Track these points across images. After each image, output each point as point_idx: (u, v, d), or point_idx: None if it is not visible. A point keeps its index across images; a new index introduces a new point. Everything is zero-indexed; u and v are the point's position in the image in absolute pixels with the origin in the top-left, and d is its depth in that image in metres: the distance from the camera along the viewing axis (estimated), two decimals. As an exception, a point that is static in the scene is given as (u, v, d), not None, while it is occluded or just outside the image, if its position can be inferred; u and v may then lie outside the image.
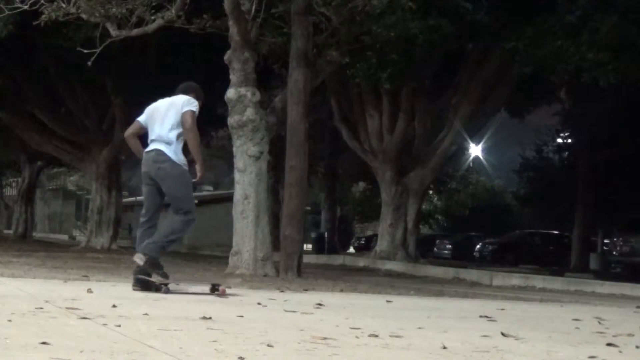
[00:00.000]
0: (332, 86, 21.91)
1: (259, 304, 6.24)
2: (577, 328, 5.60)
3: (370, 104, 22.74)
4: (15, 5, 12.95)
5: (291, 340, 3.96)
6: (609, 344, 4.50)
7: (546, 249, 34.45)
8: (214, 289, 7.13)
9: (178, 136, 7.38)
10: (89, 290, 6.58)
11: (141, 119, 7.77)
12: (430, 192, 42.76)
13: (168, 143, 7.32)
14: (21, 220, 34.12)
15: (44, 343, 3.36)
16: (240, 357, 3.27)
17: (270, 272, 11.98)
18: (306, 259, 15.75)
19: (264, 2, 12.36)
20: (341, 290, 9.24)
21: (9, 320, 4.17)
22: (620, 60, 16.40)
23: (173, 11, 12.19)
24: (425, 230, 46.21)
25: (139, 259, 7.05)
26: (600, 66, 16.36)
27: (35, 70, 21.47)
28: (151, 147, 7.42)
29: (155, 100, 8.16)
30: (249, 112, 12.32)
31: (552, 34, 16.96)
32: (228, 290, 7.28)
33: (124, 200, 36.27)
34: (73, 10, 12.20)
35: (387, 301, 7.58)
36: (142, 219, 7.47)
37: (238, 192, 12.39)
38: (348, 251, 41.07)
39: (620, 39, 16.13)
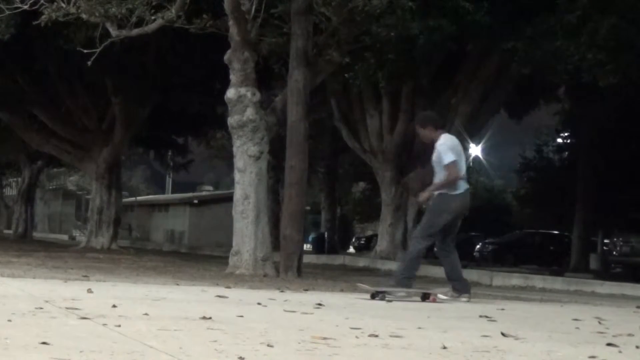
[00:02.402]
0: (332, 86, 21.90)
1: (259, 304, 6.24)
2: (577, 328, 5.60)
3: (370, 104, 22.74)
4: (16, 6, 12.94)
5: (291, 340, 3.96)
6: (609, 344, 4.50)
7: (546, 249, 34.44)
8: (426, 297, 7.81)
9: None
10: (89, 290, 6.58)
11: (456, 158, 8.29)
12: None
13: None
14: (21, 220, 34.15)
15: (44, 343, 3.36)
16: (240, 357, 3.27)
17: (270, 272, 11.98)
18: (306, 259, 15.75)
19: (264, 2, 12.36)
20: (341, 290, 9.24)
21: (9, 320, 4.17)
22: (619, 60, 16.40)
23: (173, 11, 12.19)
24: (425, 230, 46.08)
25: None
26: (600, 66, 16.36)
27: (35, 70, 21.48)
28: (467, 186, 8.45)
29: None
30: (249, 112, 12.32)
31: (552, 34, 16.95)
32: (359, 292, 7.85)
33: (124, 200, 36.31)
34: (73, 10, 12.20)
35: (388, 301, 7.58)
36: (440, 246, 8.43)
37: (238, 192, 12.39)
38: (348, 251, 41.07)
39: (619, 39, 16.12)
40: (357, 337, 4.25)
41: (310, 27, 12.22)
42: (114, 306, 5.20)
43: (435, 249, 8.57)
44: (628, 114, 27.44)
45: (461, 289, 8.29)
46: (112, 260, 15.19)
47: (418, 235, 8.36)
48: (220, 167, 46.71)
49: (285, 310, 5.72)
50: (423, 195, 8.31)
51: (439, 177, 8.27)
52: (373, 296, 7.71)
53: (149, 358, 3.19)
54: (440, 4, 16.51)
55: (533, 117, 28.14)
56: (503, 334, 4.70)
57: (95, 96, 22.62)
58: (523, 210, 42.90)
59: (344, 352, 3.65)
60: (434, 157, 8.30)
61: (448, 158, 8.22)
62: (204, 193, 55.84)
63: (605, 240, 31.35)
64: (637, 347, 4.50)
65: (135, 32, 12.71)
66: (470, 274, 17.00)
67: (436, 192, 8.26)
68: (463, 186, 8.32)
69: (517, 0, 17.95)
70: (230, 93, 12.44)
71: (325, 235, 34.90)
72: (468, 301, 8.12)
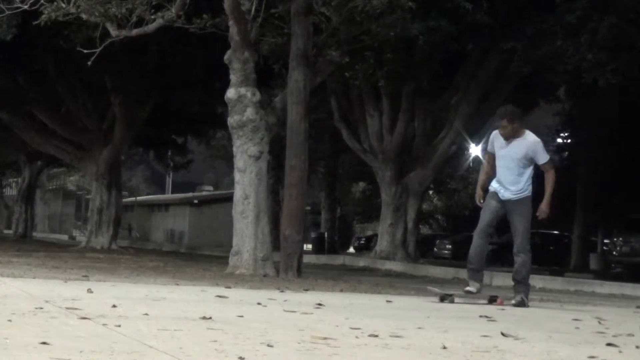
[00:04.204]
0: (332, 86, 21.91)
1: (259, 304, 6.24)
2: (577, 328, 5.60)
3: (370, 104, 22.74)
4: (16, 5, 12.95)
5: (291, 340, 3.96)
6: (609, 344, 4.50)
7: (546, 249, 34.42)
8: (492, 300, 7.89)
9: None
10: (89, 290, 6.58)
11: None
12: (430, 192, 42.74)
13: None
14: (21, 220, 34.11)
15: (44, 343, 3.36)
16: (240, 357, 3.27)
17: (270, 272, 11.98)
18: (306, 259, 15.76)
19: (264, 2, 12.37)
20: (341, 290, 9.24)
21: (9, 320, 4.17)
22: (619, 60, 16.39)
23: (173, 11, 12.19)
24: (425, 230, 46.20)
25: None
26: (600, 66, 16.36)
27: (35, 70, 21.48)
28: None
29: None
30: (249, 112, 12.32)
31: (552, 34, 16.95)
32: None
33: (124, 200, 36.31)
34: (73, 10, 12.20)
35: (387, 301, 7.58)
36: (488, 233, 8.24)
37: (238, 192, 12.40)
38: (348, 251, 41.09)
39: (619, 39, 16.12)
40: (357, 337, 4.25)
41: (310, 27, 12.22)
42: (114, 306, 5.20)
43: (479, 234, 8.12)
44: (628, 114, 27.44)
45: (477, 277, 8.11)
46: (112, 260, 15.20)
47: (527, 248, 7.99)
48: (220, 167, 46.70)
49: (285, 310, 5.71)
50: (547, 208, 7.88)
51: (514, 173, 7.91)
52: (442, 299, 7.82)
53: (149, 358, 3.19)
54: (440, 4, 16.50)
55: (533, 117, 28.14)
56: (503, 334, 4.70)
57: (95, 96, 22.63)
58: (523, 210, 42.80)
59: (344, 352, 3.65)
60: (519, 153, 7.89)
61: (547, 156, 8.00)
62: (204, 193, 55.82)
63: (605, 240, 31.36)
64: (637, 347, 4.50)
65: (135, 32, 12.72)
66: (470, 274, 17.00)
67: (525, 195, 7.93)
68: None
69: (517, 0, 17.95)
70: (230, 93, 12.44)
71: (325, 235, 34.90)
72: (478, 290, 8.01)
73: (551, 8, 17.28)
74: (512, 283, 8.17)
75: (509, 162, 7.96)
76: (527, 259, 8.01)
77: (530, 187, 8.00)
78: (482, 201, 8.18)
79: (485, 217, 8.06)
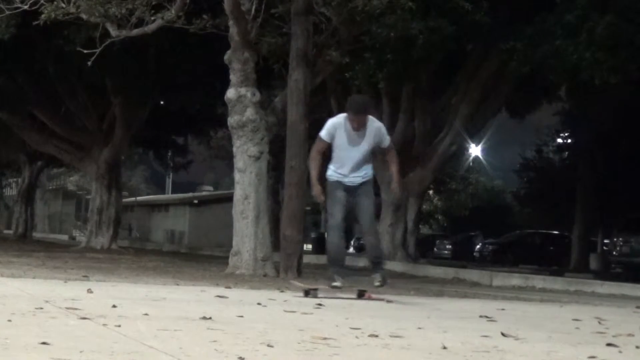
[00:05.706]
0: (332, 86, 21.90)
1: (259, 304, 6.24)
2: (577, 328, 5.60)
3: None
4: (16, 6, 12.96)
5: (291, 340, 3.96)
6: (609, 344, 4.50)
7: (546, 249, 34.46)
8: (361, 294, 7.72)
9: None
10: (89, 290, 6.58)
11: None
12: (430, 192, 42.75)
13: None
14: (21, 220, 34.14)
15: (44, 343, 3.36)
16: (240, 357, 3.27)
17: (270, 272, 11.99)
18: (306, 259, 15.75)
19: (264, 2, 12.37)
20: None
21: (9, 320, 4.17)
22: (617, 58, 16.41)
23: (173, 11, 12.20)
24: (425, 230, 46.21)
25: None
26: (598, 65, 16.37)
27: (35, 70, 21.49)
28: None
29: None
30: (249, 112, 12.32)
31: (551, 33, 16.97)
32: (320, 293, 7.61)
33: (124, 200, 36.32)
34: (73, 10, 12.21)
35: (387, 301, 7.58)
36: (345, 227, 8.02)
37: (238, 192, 12.40)
38: (348, 251, 41.09)
39: (617, 38, 16.14)
40: (357, 337, 4.25)
41: (310, 27, 12.22)
42: (114, 306, 5.20)
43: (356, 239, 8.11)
44: (627, 114, 27.46)
45: (343, 273, 7.92)
46: (112, 260, 15.20)
47: (377, 226, 8.11)
48: (220, 167, 46.75)
49: (285, 310, 5.72)
50: (398, 184, 8.12)
51: (362, 160, 7.74)
52: (306, 293, 7.54)
53: (149, 358, 3.19)
54: (440, 4, 16.51)
55: (533, 117, 28.16)
56: (503, 334, 4.70)
57: (95, 96, 22.63)
58: (523, 210, 42.91)
59: (344, 352, 3.65)
60: (369, 140, 7.69)
61: (389, 137, 8.00)
62: (204, 193, 55.85)
63: (605, 240, 31.37)
64: (637, 347, 4.50)
65: (135, 32, 12.72)
66: (470, 274, 17.02)
67: (371, 177, 7.88)
68: None
69: (516, 0, 17.97)
70: (230, 93, 12.44)
71: (325, 235, 34.90)
72: (343, 285, 7.72)
73: (550, 8, 17.29)
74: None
75: (357, 152, 7.71)
76: (379, 237, 8.01)
77: (372, 170, 7.98)
78: (323, 197, 7.84)
79: (338, 211, 7.74)
